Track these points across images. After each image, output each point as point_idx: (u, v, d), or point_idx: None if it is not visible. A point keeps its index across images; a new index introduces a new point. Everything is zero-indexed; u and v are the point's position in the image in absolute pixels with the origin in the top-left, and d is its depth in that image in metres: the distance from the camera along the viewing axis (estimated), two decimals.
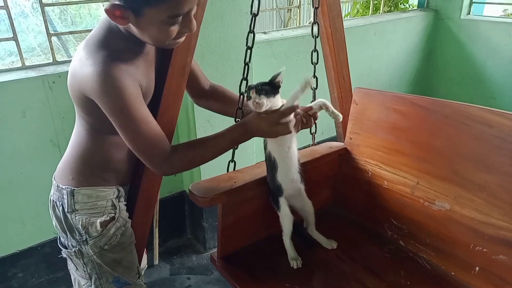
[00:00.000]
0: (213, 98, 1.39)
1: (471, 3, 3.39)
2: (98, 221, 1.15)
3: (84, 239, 1.16)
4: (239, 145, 1.28)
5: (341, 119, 1.24)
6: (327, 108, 1.24)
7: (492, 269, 1.23)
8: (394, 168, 1.46)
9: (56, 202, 1.18)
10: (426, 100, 1.35)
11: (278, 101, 1.18)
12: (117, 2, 0.91)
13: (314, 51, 1.47)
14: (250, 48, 1.30)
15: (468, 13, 3.41)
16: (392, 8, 3.55)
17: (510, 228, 1.17)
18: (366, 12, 3.44)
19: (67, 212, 1.15)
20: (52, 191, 1.20)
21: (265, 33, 2.54)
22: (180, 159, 1.11)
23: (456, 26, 3.41)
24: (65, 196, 1.15)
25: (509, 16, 6.56)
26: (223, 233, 1.35)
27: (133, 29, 0.97)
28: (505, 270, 1.20)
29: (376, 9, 3.41)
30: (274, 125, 1.14)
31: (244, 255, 1.42)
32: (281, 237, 1.38)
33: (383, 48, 3.20)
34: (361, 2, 3.65)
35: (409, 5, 3.63)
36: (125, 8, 0.91)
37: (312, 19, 1.47)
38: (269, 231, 1.44)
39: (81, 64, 0.99)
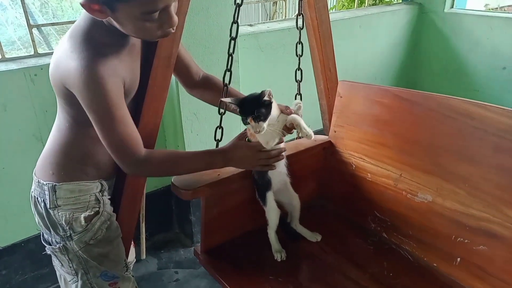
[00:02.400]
0: (205, 88, 1.39)
1: None
2: (82, 216, 1.14)
3: (68, 234, 1.14)
4: (227, 130, 1.30)
5: (312, 138, 1.20)
6: (298, 126, 1.21)
7: (473, 260, 1.25)
8: (377, 160, 1.47)
9: (37, 198, 1.15)
10: (410, 92, 1.36)
11: (274, 115, 1.19)
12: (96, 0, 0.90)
13: (299, 43, 1.46)
14: (234, 39, 1.29)
15: (452, 7, 3.43)
16: (377, 1, 3.56)
17: (491, 219, 1.19)
18: (351, 5, 3.45)
19: (50, 208, 1.13)
20: (33, 187, 1.18)
21: (251, 25, 2.53)
22: (152, 167, 1.12)
23: (440, 19, 3.43)
24: (46, 192, 1.13)
25: (490, 10, 6.65)
26: (207, 227, 1.35)
27: (113, 22, 0.96)
28: (486, 260, 1.22)
29: (362, 2, 3.41)
30: (257, 159, 1.20)
31: (228, 249, 1.42)
32: (266, 230, 1.38)
33: (368, 41, 3.20)
34: None
35: None
36: (100, 3, 0.90)
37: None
38: (254, 224, 1.44)
39: (65, 56, 0.97)
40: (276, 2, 5.21)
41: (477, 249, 1.24)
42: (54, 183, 1.12)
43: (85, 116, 1.02)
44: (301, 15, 1.42)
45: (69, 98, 1.02)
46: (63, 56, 0.98)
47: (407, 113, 1.36)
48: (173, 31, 1.02)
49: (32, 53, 1.86)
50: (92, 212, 1.16)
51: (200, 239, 1.41)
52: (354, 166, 1.56)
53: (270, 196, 1.33)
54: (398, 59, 3.52)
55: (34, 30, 1.88)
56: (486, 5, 6.56)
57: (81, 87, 0.95)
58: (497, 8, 6.68)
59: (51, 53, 1.91)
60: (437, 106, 1.27)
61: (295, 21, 1.48)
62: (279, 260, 1.35)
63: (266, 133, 1.16)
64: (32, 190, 1.19)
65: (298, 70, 1.50)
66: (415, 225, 1.39)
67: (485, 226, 1.21)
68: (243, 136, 1.24)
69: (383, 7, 3.40)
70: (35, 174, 1.18)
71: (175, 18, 0.98)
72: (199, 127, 2.02)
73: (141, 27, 0.95)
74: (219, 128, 1.35)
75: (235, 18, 1.27)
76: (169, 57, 1.14)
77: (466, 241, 1.26)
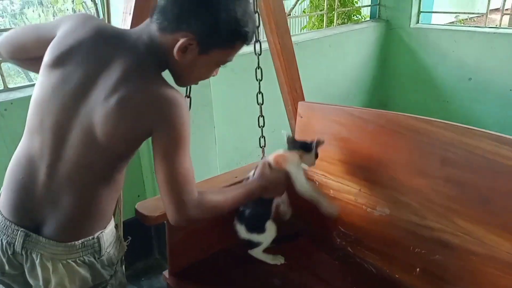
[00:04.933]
0: None
1: (419, 12, 3.53)
2: (123, 243, 1.15)
3: (115, 267, 1.10)
4: (205, 161, 1.34)
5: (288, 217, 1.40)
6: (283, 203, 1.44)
7: (431, 269, 1.30)
8: (338, 177, 1.52)
9: (78, 259, 1.01)
10: (362, 111, 1.42)
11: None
12: (192, 36, 0.91)
13: (258, 68, 1.52)
14: None
15: (417, 22, 3.55)
16: (346, 20, 3.67)
17: (444, 229, 1.24)
18: (321, 25, 3.54)
19: (101, 257, 1.04)
20: (65, 256, 1.00)
21: None
22: (205, 209, 1.03)
23: (407, 34, 3.55)
24: (95, 245, 1.02)
25: (460, 21, 6.87)
26: (173, 250, 1.38)
27: (183, 63, 0.96)
28: (443, 269, 1.27)
29: (331, 22, 3.51)
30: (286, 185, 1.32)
31: (197, 271, 1.44)
32: (233, 250, 1.41)
33: (339, 59, 3.29)
34: (316, 16, 3.75)
35: (361, 17, 3.75)
36: (196, 43, 0.92)
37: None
38: (221, 244, 1.47)
39: (136, 96, 0.91)
40: None
41: (433, 259, 1.28)
42: (99, 233, 1.03)
43: (131, 155, 1.01)
44: (258, 42, 1.48)
45: (135, 143, 0.97)
46: (133, 98, 0.91)
47: (361, 130, 1.41)
48: None
49: (2, 87, 1.88)
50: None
51: (168, 263, 1.43)
52: (317, 183, 1.60)
53: (270, 223, 1.39)
54: (369, 75, 3.62)
55: (4, 64, 1.89)
56: (456, 16, 6.79)
57: (175, 122, 0.92)
58: (466, 19, 6.90)
59: (26, 86, 1.94)
60: (386, 122, 1.33)
61: (267, 43, 1.54)
62: (282, 262, 1.43)
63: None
64: (65, 259, 1.00)
65: (259, 93, 1.55)
66: (377, 238, 1.44)
67: (438, 236, 1.26)
68: (267, 165, 1.31)
69: (351, 26, 3.51)
70: (64, 240, 0.99)
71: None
72: None
73: (210, 71, 1.03)
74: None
75: None
76: None
77: (423, 251, 1.30)
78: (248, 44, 1.00)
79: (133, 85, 0.91)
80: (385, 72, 3.73)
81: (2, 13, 4.39)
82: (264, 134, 1.71)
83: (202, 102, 2.10)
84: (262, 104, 1.59)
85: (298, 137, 1.64)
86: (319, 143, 1.35)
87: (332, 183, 1.54)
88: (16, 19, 4.55)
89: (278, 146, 2.40)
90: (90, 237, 1.01)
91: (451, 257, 1.24)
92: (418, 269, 1.32)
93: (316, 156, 1.37)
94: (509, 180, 1.08)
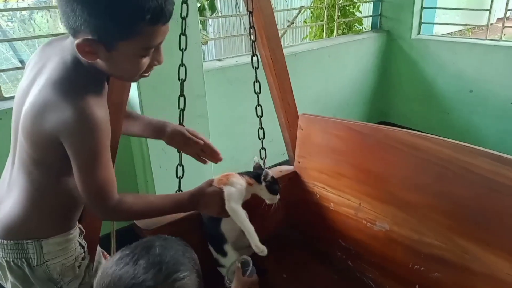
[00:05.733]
0: (128, 121, 1.34)
1: (420, 23, 3.55)
2: (76, 265, 1.12)
3: (59, 286, 1.10)
4: (196, 167, 1.35)
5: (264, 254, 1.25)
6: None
7: (430, 286, 1.28)
8: (338, 190, 1.51)
9: (12, 261, 1.06)
10: (361, 125, 1.42)
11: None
12: (89, 37, 0.86)
13: (256, 82, 1.52)
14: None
15: (418, 33, 3.57)
16: (347, 30, 3.68)
17: (442, 247, 1.23)
18: (322, 35, 3.55)
19: (37, 265, 1.06)
20: (0, 253, 1.07)
21: (219, 60, 2.60)
22: (125, 211, 1.09)
23: (408, 45, 3.56)
24: (30, 251, 1.05)
25: (469, 30, 6.88)
26: None
27: (101, 64, 0.94)
28: (441, 286, 1.25)
29: (331, 32, 3.53)
30: (222, 205, 1.25)
31: None
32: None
33: (338, 70, 3.30)
34: (317, 26, 3.76)
35: (362, 27, 3.77)
36: (97, 43, 0.87)
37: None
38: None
39: (54, 107, 0.92)
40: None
41: (432, 276, 1.27)
42: (40, 240, 1.05)
43: (66, 165, 0.99)
44: (255, 56, 1.48)
45: (54, 150, 0.97)
46: (50, 108, 0.92)
47: (359, 144, 1.41)
48: (152, 70, 1.02)
49: None
50: (81, 258, 1.15)
51: None
52: (318, 196, 1.60)
53: (229, 247, 1.35)
54: (369, 85, 3.62)
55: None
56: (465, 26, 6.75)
57: (78, 134, 0.93)
58: (474, 28, 6.86)
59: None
60: (385, 137, 1.33)
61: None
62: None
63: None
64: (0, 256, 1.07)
65: (258, 106, 1.55)
66: (376, 253, 1.43)
67: (437, 253, 1.24)
68: (210, 182, 1.28)
69: (351, 36, 3.52)
70: (3, 238, 1.06)
71: (163, 56, 0.99)
72: (168, 162, 2.05)
73: (135, 64, 0.94)
74: (180, 166, 1.38)
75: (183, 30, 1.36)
76: (120, 103, 1.18)
77: (422, 268, 1.29)
78: (159, 22, 0.88)
79: (45, 92, 0.94)
80: (385, 83, 3.73)
81: (12, 18, 4.44)
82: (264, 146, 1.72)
83: (197, 114, 2.11)
84: (262, 116, 1.59)
85: (298, 149, 1.65)
86: (266, 176, 1.32)
87: (333, 196, 1.54)
88: (25, 24, 4.58)
89: (276, 156, 2.41)
90: (24, 241, 1.04)
91: (449, 275, 1.23)
92: (417, 286, 1.31)
93: (272, 191, 1.35)
94: (507, 199, 1.07)
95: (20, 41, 2.86)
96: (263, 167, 1.45)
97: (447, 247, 1.22)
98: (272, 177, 1.34)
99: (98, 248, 1.26)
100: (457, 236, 1.19)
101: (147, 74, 1.01)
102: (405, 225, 1.32)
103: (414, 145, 1.26)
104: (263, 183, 1.33)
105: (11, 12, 4.20)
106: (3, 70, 2.41)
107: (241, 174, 1.34)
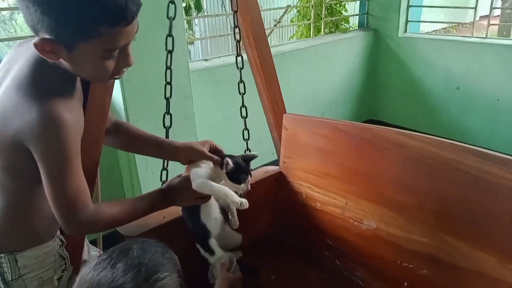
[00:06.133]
0: (117, 134, 1.30)
1: (407, 21, 3.56)
2: (55, 278, 1.08)
3: None
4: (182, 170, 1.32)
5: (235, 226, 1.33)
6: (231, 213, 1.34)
7: (419, 284, 1.28)
8: (324, 190, 1.50)
9: None
10: (347, 124, 1.41)
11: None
12: (47, 36, 0.82)
13: (241, 82, 1.50)
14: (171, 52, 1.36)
15: (405, 31, 3.58)
16: (334, 29, 3.68)
17: (431, 244, 1.23)
18: (309, 34, 3.55)
19: (12, 280, 1.02)
20: None
21: (206, 60, 2.58)
22: (103, 220, 1.02)
23: (395, 44, 3.57)
24: (4, 265, 1.01)
25: (453, 28, 6.94)
26: None
27: (65, 64, 0.88)
28: (430, 284, 1.25)
29: (319, 31, 3.52)
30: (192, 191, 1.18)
31: None
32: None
33: (326, 69, 3.30)
34: (304, 25, 3.76)
35: (349, 26, 3.77)
36: (56, 42, 0.82)
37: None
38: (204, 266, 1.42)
39: (17, 110, 0.87)
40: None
41: (420, 274, 1.26)
42: (14, 253, 1.01)
43: (37, 173, 0.93)
44: (240, 56, 1.46)
45: (20, 156, 0.92)
46: (13, 111, 0.88)
47: (346, 144, 1.40)
48: (125, 71, 0.96)
49: None
50: (61, 270, 1.10)
51: None
52: (304, 196, 1.58)
53: (214, 243, 1.32)
54: (357, 84, 3.63)
55: None
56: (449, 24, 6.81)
57: (43, 138, 0.87)
58: (458, 25, 6.92)
59: None
60: (372, 137, 1.32)
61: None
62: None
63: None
64: None
65: (243, 107, 1.53)
66: (364, 251, 1.42)
67: (425, 251, 1.24)
68: (179, 175, 1.24)
69: (339, 35, 3.52)
70: None
71: (132, 57, 0.92)
72: (154, 165, 2.02)
73: (98, 66, 0.88)
74: (164, 170, 1.36)
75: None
76: (103, 105, 1.14)
77: (410, 266, 1.29)
78: (119, 24, 0.82)
79: (9, 93, 0.89)
80: (373, 81, 3.75)
81: None
82: (249, 146, 1.70)
83: (183, 115, 2.09)
84: (246, 117, 1.57)
85: (283, 149, 1.63)
86: (226, 165, 1.22)
87: (319, 195, 1.52)
88: (6, 24, 4.52)
89: (264, 157, 2.38)
90: None
91: (438, 272, 1.22)
92: (406, 283, 1.31)
93: (234, 180, 1.24)
94: (493, 196, 1.07)
95: (0, 42, 2.80)
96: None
97: (435, 244, 1.21)
98: (234, 167, 1.23)
99: (86, 247, 1.22)
100: (444, 233, 1.19)
101: (117, 76, 0.96)
102: (392, 223, 1.31)
103: (401, 144, 1.25)
104: (224, 169, 1.24)
105: None
106: None
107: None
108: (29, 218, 1.03)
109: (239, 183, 1.24)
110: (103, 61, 0.88)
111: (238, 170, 1.24)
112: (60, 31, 0.81)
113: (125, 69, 0.95)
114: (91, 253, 1.32)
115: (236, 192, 1.20)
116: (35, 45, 0.82)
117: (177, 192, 1.19)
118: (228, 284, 1.21)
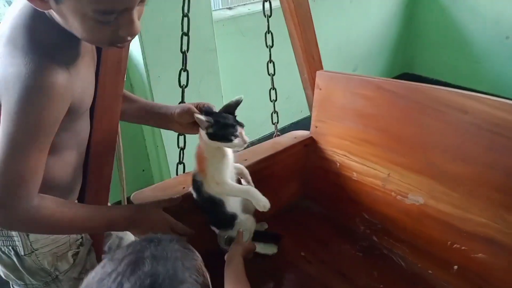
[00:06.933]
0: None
1: None
2: (70, 254, 1.01)
3: (54, 276, 1.00)
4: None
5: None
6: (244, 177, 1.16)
7: (471, 268, 1.13)
8: (363, 158, 1.33)
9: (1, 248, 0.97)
10: (394, 83, 1.21)
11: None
12: None
13: (268, 33, 1.30)
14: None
15: None
16: None
17: (490, 225, 1.06)
18: None
19: (25, 255, 0.96)
20: None
21: (230, 8, 2.36)
22: (46, 216, 0.85)
23: None
24: (16, 238, 0.94)
25: None
26: None
27: (56, 16, 0.76)
28: (485, 268, 1.10)
29: None
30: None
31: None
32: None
33: (360, 16, 3.04)
34: None
35: None
36: None
37: None
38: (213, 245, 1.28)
39: (3, 63, 0.76)
40: None
41: (475, 257, 1.11)
42: None
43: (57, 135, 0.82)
44: (267, 1, 1.25)
45: None
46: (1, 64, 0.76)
47: (391, 106, 1.21)
48: (130, 39, 0.81)
49: None
50: (76, 246, 1.03)
51: None
52: (338, 164, 1.41)
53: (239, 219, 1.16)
54: (393, 32, 3.36)
55: None
56: None
57: (17, 95, 0.73)
58: None
59: None
60: (425, 98, 1.12)
61: (278, 0, 1.30)
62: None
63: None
64: None
65: (270, 62, 1.34)
66: (407, 229, 1.26)
67: (483, 232, 1.07)
68: (159, 204, 1.09)
69: None
70: None
71: (137, 25, 0.77)
72: None
73: (89, 28, 0.74)
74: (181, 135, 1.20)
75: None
76: (118, 62, 0.98)
77: (463, 247, 1.13)
78: None
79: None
80: (411, 29, 3.46)
81: None
82: (277, 106, 1.52)
83: (208, 69, 1.91)
84: (274, 74, 1.38)
85: (316, 112, 1.44)
86: (200, 121, 0.99)
87: (356, 165, 1.35)
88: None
89: (292, 115, 2.20)
90: None
91: (497, 257, 1.06)
92: (456, 267, 1.15)
93: (220, 138, 1.00)
94: None
95: None
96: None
97: (496, 225, 1.04)
98: (213, 123, 0.99)
99: None
100: (509, 213, 1.01)
101: (120, 45, 0.81)
102: (444, 199, 1.14)
103: (462, 107, 1.05)
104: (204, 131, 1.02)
105: None
106: None
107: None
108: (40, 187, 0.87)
109: (230, 141, 1.00)
110: (96, 24, 0.73)
111: (221, 125, 1.00)
112: None
113: (129, 38, 0.79)
114: None
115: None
116: None
117: (149, 226, 1.01)
118: (242, 252, 1.07)
